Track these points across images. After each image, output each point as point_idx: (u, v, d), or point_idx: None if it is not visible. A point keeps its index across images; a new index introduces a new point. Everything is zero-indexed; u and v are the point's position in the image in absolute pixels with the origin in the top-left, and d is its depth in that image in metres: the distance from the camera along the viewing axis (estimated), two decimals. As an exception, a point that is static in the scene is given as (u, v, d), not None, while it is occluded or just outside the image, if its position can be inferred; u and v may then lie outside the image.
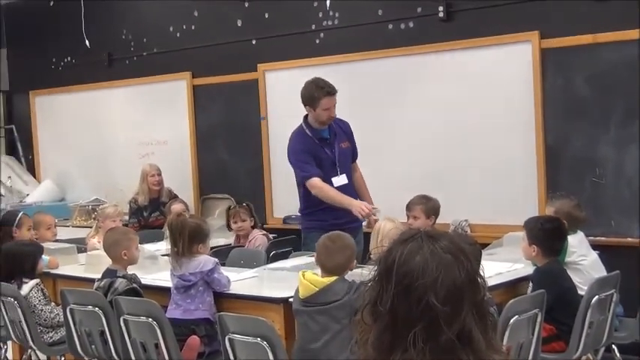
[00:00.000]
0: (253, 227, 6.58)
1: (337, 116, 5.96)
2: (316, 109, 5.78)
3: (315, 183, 5.76)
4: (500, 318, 3.96)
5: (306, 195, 5.88)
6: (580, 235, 5.06)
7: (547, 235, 4.67)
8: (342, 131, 5.99)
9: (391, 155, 6.95)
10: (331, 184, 5.80)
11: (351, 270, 4.21)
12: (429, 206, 5.68)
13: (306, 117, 5.92)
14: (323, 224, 5.61)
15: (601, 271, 4.92)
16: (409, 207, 5.72)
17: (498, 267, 4.86)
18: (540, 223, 4.73)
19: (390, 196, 6.21)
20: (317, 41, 7.44)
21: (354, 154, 6.10)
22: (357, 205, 5.57)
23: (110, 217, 6.51)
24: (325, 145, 5.89)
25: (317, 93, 5.75)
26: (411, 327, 1.65)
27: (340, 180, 5.86)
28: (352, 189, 5.94)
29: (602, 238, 5.72)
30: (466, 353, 1.65)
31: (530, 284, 4.63)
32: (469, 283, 1.69)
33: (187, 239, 4.74)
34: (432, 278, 1.66)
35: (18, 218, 6.22)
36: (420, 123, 6.80)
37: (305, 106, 5.84)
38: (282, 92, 7.72)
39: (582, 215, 5.16)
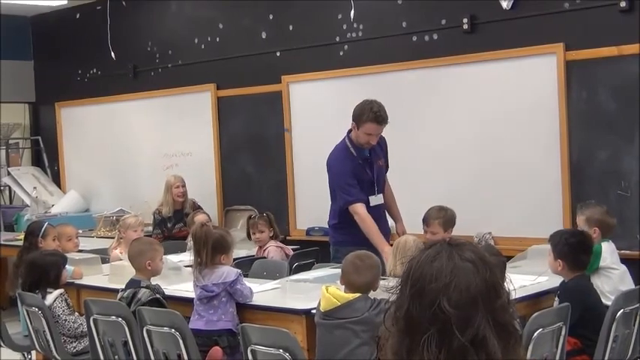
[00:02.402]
0: (273, 238, 6.58)
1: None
2: (359, 129, 5.66)
3: (360, 210, 5.63)
4: (524, 331, 3.94)
5: (342, 210, 5.77)
6: (612, 245, 5.04)
7: (573, 250, 4.62)
8: (379, 148, 5.91)
9: (414, 167, 6.93)
10: (368, 202, 5.74)
11: (375, 290, 4.20)
12: (446, 219, 5.67)
13: (349, 131, 5.81)
14: (355, 238, 5.53)
15: (629, 285, 4.89)
16: (426, 221, 5.70)
17: (522, 280, 4.83)
18: (565, 237, 4.69)
19: (412, 208, 6.18)
20: (341, 53, 7.45)
21: (386, 169, 6.06)
22: (387, 252, 5.25)
23: (131, 228, 6.53)
24: (366, 165, 5.81)
25: (367, 115, 5.62)
26: (425, 331, 1.65)
27: (377, 200, 5.80)
28: (381, 210, 5.89)
29: (627, 252, 5.67)
30: None
31: (557, 299, 4.59)
32: (486, 290, 1.68)
33: (211, 249, 4.74)
34: (444, 282, 1.66)
35: (43, 229, 6.27)
36: (444, 135, 6.78)
37: (352, 121, 5.72)
38: (306, 104, 7.73)
39: (613, 221, 5.15)
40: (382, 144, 5.96)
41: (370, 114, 5.61)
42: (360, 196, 5.69)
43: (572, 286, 4.57)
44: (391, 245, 5.23)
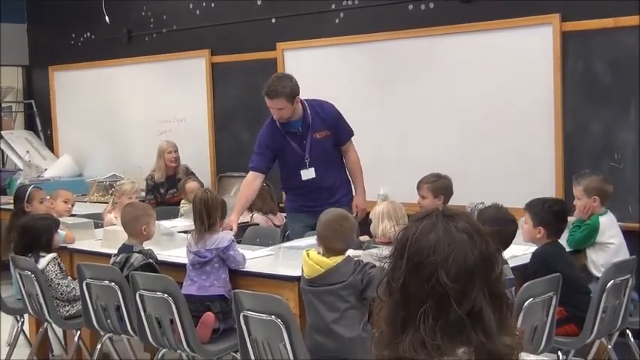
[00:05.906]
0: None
1: (323, 99, 5.90)
2: None
3: (248, 176, 5.81)
4: (514, 300, 3.96)
5: (283, 177, 5.92)
6: (610, 216, 5.06)
7: (555, 217, 4.69)
8: (319, 120, 5.79)
9: (406, 136, 6.93)
10: (299, 176, 5.75)
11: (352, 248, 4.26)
12: (437, 185, 5.60)
13: None
14: (294, 205, 5.83)
15: (624, 258, 4.90)
16: (418, 185, 5.68)
17: (513, 250, 4.84)
18: (548, 205, 4.74)
19: (403, 179, 6.19)
20: (337, 21, 7.42)
21: (338, 139, 5.89)
22: (231, 221, 5.44)
23: (127, 194, 6.53)
24: (294, 139, 5.75)
25: (264, 90, 5.69)
26: (422, 304, 1.65)
27: (308, 174, 5.78)
28: (319, 183, 5.79)
29: (620, 223, 5.67)
30: (476, 333, 1.65)
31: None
32: (482, 263, 1.68)
33: (220, 214, 4.79)
34: (442, 256, 1.66)
35: (27, 193, 6.22)
36: (437, 104, 6.77)
37: None
38: (300, 71, 7.65)
39: (611, 188, 5.17)
40: (323, 116, 5.82)
41: (264, 88, 5.67)
42: (259, 166, 5.76)
43: (537, 254, 4.63)
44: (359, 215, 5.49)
